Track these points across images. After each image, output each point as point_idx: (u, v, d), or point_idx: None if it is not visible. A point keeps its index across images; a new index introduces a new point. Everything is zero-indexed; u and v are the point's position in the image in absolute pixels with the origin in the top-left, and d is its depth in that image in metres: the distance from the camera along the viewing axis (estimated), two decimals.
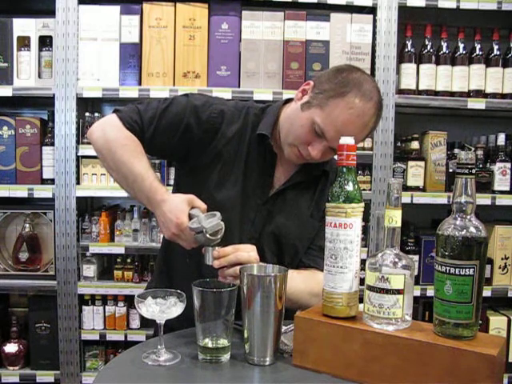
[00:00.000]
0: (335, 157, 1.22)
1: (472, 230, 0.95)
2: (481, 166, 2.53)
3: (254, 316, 1.09)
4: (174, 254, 1.50)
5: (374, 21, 2.45)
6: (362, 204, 1.07)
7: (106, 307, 2.53)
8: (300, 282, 1.35)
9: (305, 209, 1.46)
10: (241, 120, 1.43)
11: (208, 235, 1.17)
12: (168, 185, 2.49)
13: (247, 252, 1.22)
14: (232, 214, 1.38)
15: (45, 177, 2.47)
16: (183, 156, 1.43)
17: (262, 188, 1.42)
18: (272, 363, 1.11)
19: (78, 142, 2.43)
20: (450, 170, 2.51)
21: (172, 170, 2.50)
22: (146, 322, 2.52)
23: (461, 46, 2.51)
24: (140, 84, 2.43)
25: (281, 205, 1.43)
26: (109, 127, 1.36)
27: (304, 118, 1.32)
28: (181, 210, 1.20)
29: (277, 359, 1.12)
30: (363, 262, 1.06)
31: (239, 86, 2.44)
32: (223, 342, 1.11)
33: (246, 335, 1.11)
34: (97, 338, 2.51)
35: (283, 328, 1.16)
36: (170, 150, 1.44)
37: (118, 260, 2.55)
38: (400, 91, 2.49)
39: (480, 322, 0.99)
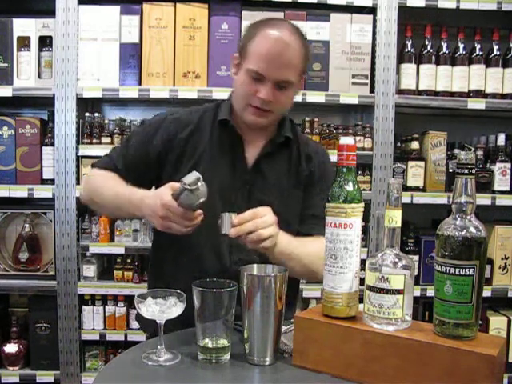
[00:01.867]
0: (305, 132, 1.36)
1: (472, 230, 0.95)
2: (481, 166, 2.53)
3: (254, 316, 1.09)
4: (165, 258, 1.51)
5: (374, 21, 2.45)
6: (362, 204, 1.07)
7: (106, 307, 2.53)
8: (309, 245, 1.38)
9: (284, 181, 1.49)
10: (196, 119, 1.50)
11: (188, 188, 1.16)
12: None
13: (264, 216, 1.24)
14: (212, 202, 1.38)
15: (45, 177, 2.47)
16: (157, 175, 1.49)
17: (236, 170, 1.46)
18: (272, 363, 1.11)
19: (77, 142, 2.43)
20: (450, 170, 2.51)
21: None
22: None
23: (461, 46, 2.51)
24: (140, 84, 2.43)
25: (259, 183, 1.47)
26: (87, 178, 1.57)
27: (240, 76, 1.41)
28: (162, 192, 1.24)
29: (277, 359, 1.12)
30: (363, 262, 1.06)
31: None
32: (223, 341, 1.11)
33: (246, 335, 1.11)
34: (97, 338, 2.51)
35: (283, 328, 1.16)
36: (145, 173, 1.49)
37: (118, 260, 2.54)
38: (400, 91, 2.49)
39: (480, 322, 0.99)
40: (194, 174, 1.17)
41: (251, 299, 1.09)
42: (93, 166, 1.55)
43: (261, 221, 1.23)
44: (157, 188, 1.51)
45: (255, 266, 1.19)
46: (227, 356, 1.12)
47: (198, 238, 1.39)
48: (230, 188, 1.45)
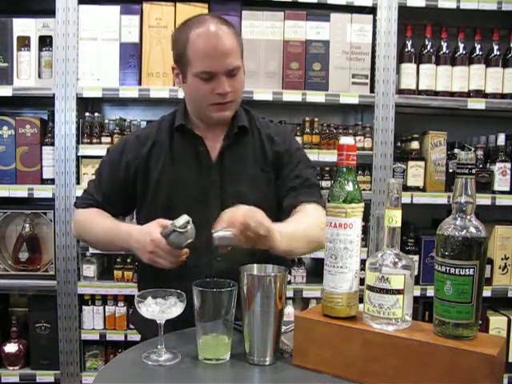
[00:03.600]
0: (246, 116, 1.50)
1: (472, 230, 0.95)
2: (481, 166, 2.53)
3: (254, 316, 1.09)
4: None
5: (374, 21, 2.45)
6: (362, 204, 1.07)
7: (106, 307, 2.53)
8: (303, 219, 1.39)
9: (251, 169, 1.50)
10: (154, 132, 1.54)
11: (178, 230, 1.20)
12: None
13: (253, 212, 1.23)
14: (186, 205, 1.41)
15: (45, 177, 2.47)
16: (134, 194, 1.53)
17: (202, 168, 1.48)
18: (272, 363, 1.11)
19: (77, 142, 2.43)
20: (450, 170, 2.51)
21: None
22: None
23: (461, 46, 2.51)
24: (140, 84, 2.43)
25: (228, 176, 1.48)
26: (74, 219, 1.61)
27: (190, 83, 1.43)
28: (150, 229, 1.27)
29: (277, 359, 1.12)
30: (363, 262, 1.06)
31: None
32: (223, 341, 1.11)
33: (245, 335, 1.11)
34: (97, 337, 2.51)
35: (283, 328, 1.16)
36: (125, 197, 1.55)
37: (118, 260, 2.54)
38: (400, 91, 2.49)
39: (480, 322, 0.99)
40: (184, 218, 1.22)
41: (251, 299, 1.09)
42: (76, 206, 1.61)
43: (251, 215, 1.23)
44: (138, 208, 1.57)
45: (255, 266, 1.19)
46: (227, 356, 1.12)
47: None
48: (200, 187, 1.47)
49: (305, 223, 1.38)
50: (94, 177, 1.62)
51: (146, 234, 1.27)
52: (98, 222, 1.50)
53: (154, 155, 1.51)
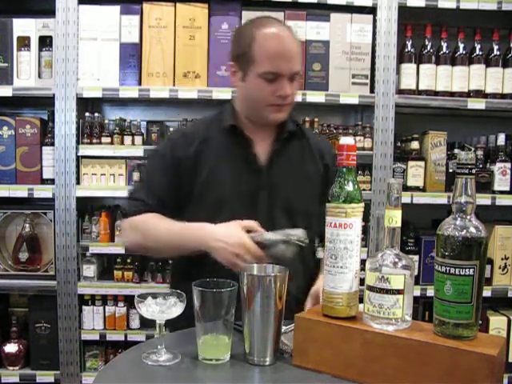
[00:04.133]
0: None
1: (472, 230, 0.95)
2: (481, 166, 2.53)
3: (254, 316, 1.09)
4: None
5: (374, 21, 2.45)
6: (362, 204, 1.08)
7: (106, 307, 2.53)
8: None
9: (299, 175, 1.51)
10: (201, 132, 1.51)
11: (298, 242, 1.21)
12: None
13: None
14: (234, 207, 1.42)
15: (45, 177, 2.47)
16: (186, 195, 1.49)
17: (251, 172, 1.47)
18: (272, 363, 1.11)
19: (77, 142, 2.43)
20: (450, 170, 2.51)
21: None
22: (145, 322, 2.52)
23: (461, 46, 2.51)
24: (140, 84, 2.43)
25: (276, 180, 1.48)
26: (126, 232, 1.51)
27: (252, 82, 1.42)
28: (237, 232, 1.27)
29: (277, 359, 1.12)
30: (363, 262, 1.06)
31: None
32: (223, 341, 1.11)
33: (246, 335, 1.11)
34: (97, 338, 2.51)
35: (283, 328, 1.16)
36: (177, 196, 1.48)
37: (118, 260, 2.54)
38: (400, 91, 2.49)
39: (480, 321, 0.99)
40: (301, 231, 1.22)
41: (251, 299, 1.09)
42: (125, 216, 1.52)
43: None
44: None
45: (255, 265, 1.19)
46: (227, 356, 1.12)
47: None
48: (249, 191, 1.45)
49: None
50: (135, 184, 1.57)
51: (233, 237, 1.26)
52: (157, 223, 1.42)
53: (201, 155, 1.47)
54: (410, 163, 2.49)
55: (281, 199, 1.46)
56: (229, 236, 1.27)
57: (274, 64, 1.38)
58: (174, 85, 2.43)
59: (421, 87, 2.50)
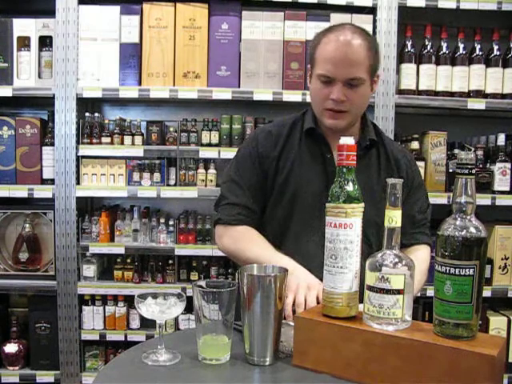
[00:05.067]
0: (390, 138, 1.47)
1: (472, 230, 0.95)
2: (481, 166, 2.52)
3: (254, 316, 1.09)
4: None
5: (374, 21, 2.45)
6: (362, 204, 1.08)
7: (106, 307, 2.53)
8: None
9: (374, 185, 1.51)
10: (286, 132, 1.55)
11: None
12: (168, 185, 2.49)
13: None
14: (309, 209, 1.47)
15: (45, 177, 2.47)
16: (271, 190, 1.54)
17: (328, 175, 1.49)
18: (272, 363, 1.11)
19: (77, 142, 2.43)
20: (450, 170, 2.51)
21: (172, 170, 2.51)
22: (145, 322, 2.53)
23: (461, 46, 2.51)
24: (140, 84, 2.43)
25: None
26: (224, 239, 1.55)
27: (312, 84, 1.48)
28: (312, 278, 1.31)
29: (277, 359, 1.12)
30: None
31: (239, 86, 2.44)
32: (223, 341, 1.11)
33: (245, 335, 1.11)
34: (97, 338, 2.51)
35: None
36: (265, 192, 1.54)
37: (118, 260, 2.54)
38: (400, 91, 2.49)
39: (480, 322, 0.99)
40: None
41: (251, 299, 1.09)
42: (222, 223, 1.54)
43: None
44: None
45: (255, 266, 1.19)
46: (227, 356, 1.12)
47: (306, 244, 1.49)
48: (322, 192, 1.46)
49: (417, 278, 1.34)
50: (225, 186, 1.57)
51: (313, 279, 1.30)
52: (250, 247, 1.46)
53: (283, 156, 1.52)
54: None
55: None
56: (308, 280, 1.30)
57: (328, 67, 1.40)
58: (173, 85, 2.43)
59: (421, 87, 2.50)
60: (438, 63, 2.50)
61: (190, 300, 1.16)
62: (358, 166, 1.47)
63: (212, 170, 2.52)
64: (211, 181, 2.51)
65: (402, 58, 2.50)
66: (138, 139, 2.48)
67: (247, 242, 1.48)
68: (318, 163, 1.52)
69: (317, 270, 1.39)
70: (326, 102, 1.44)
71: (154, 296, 1.14)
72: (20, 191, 2.42)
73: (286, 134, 1.55)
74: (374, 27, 2.45)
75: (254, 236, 1.49)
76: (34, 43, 2.42)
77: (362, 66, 1.41)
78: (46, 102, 2.50)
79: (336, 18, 2.44)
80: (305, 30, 2.44)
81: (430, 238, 1.54)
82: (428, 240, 1.55)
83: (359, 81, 1.41)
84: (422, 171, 2.48)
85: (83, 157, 2.46)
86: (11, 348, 2.48)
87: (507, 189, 2.52)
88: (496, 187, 2.52)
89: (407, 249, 1.49)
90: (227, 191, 1.56)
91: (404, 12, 2.45)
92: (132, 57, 2.42)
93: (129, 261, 2.55)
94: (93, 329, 2.52)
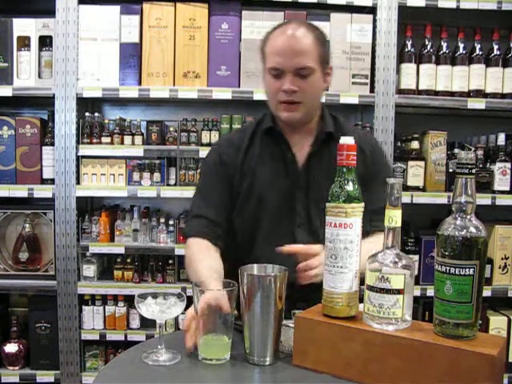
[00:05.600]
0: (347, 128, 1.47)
1: (472, 229, 0.95)
2: (481, 165, 2.52)
3: (254, 316, 1.09)
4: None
5: (374, 21, 2.45)
6: (362, 204, 1.08)
7: (106, 307, 2.52)
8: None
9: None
10: (248, 136, 1.57)
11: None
12: (168, 184, 2.49)
13: (315, 255, 1.28)
14: (275, 209, 1.49)
15: (45, 177, 2.47)
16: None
17: (289, 174, 1.51)
18: (272, 363, 1.11)
19: (77, 142, 2.43)
20: (450, 170, 2.51)
21: (172, 170, 2.51)
22: (145, 322, 2.52)
23: (461, 46, 2.51)
24: (140, 84, 2.43)
25: (313, 183, 1.50)
26: (186, 250, 1.55)
27: (265, 79, 1.49)
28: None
29: (277, 359, 1.12)
30: None
31: (239, 86, 2.44)
32: (223, 341, 1.11)
33: (246, 335, 1.11)
34: (97, 338, 2.51)
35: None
36: (231, 199, 1.54)
37: (118, 260, 2.54)
38: (400, 91, 2.49)
39: (480, 321, 0.99)
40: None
41: (251, 299, 1.09)
42: (187, 235, 1.54)
43: (311, 262, 1.26)
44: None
45: (255, 266, 1.19)
46: (227, 356, 1.12)
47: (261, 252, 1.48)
48: (287, 190, 1.49)
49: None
50: (194, 198, 1.60)
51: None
52: (195, 265, 1.42)
53: (247, 161, 1.54)
54: (410, 163, 2.49)
55: (317, 199, 1.47)
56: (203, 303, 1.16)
57: (276, 59, 1.42)
58: (173, 85, 2.43)
59: (421, 87, 2.50)
60: (438, 63, 2.50)
61: (189, 300, 1.16)
62: (320, 161, 1.51)
63: None
64: None
65: (402, 57, 2.49)
66: (138, 139, 2.48)
67: (195, 261, 1.44)
68: (279, 162, 1.52)
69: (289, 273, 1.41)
70: (278, 94, 1.44)
71: (154, 296, 1.15)
72: (20, 191, 2.42)
73: (248, 138, 1.56)
74: (374, 27, 2.45)
75: (200, 253, 1.45)
76: (34, 43, 2.42)
77: (309, 55, 1.43)
78: (45, 102, 2.50)
79: (336, 17, 2.44)
80: None
81: None
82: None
83: (308, 70, 1.43)
84: (421, 171, 2.49)
85: (83, 157, 2.46)
86: (11, 348, 2.48)
87: (507, 189, 2.52)
88: (496, 187, 2.52)
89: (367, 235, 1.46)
90: (193, 203, 1.60)
91: (404, 12, 2.45)
92: (132, 57, 2.42)
93: (129, 261, 2.55)
94: (93, 329, 2.52)
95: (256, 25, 2.43)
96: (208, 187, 1.56)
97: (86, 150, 2.44)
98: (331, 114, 1.60)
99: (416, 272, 2.40)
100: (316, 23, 2.37)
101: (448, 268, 0.96)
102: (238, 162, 1.54)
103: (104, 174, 2.47)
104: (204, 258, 1.42)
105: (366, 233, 1.43)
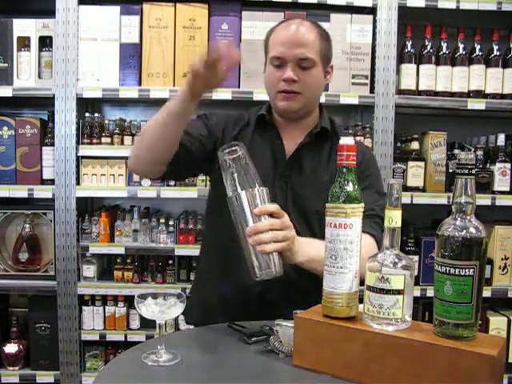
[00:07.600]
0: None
1: (472, 230, 0.95)
2: (481, 166, 2.52)
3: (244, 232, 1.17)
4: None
5: (374, 21, 2.45)
6: (362, 204, 1.07)
7: (106, 307, 2.53)
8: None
9: (322, 175, 1.51)
10: (247, 117, 1.58)
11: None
12: (168, 185, 2.49)
13: (282, 217, 1.24)
14: None
15: (45, 177, 2.47)
16: (207, 164, 1.54)
17: (275, 162, 1.51)
18: (280, 273, 1.17)
19: (77, 143, 2.43)
20: (450, 171, 2.51)
21: None
22: (145, 322, 2.52)
23: (461, 46, 2.51)
24: (140, 84, 2.43)
25: (296, 175, 1.50)
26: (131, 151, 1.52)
27: (267, 70, 1.50)
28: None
29: (276, 359, 1.12)
30: None
31: (239, 87, 2.44)
32: None
33: (250, 254, 1.16)
34: (97, 338, 2.51)
35: (277, 320, 1.16)
36: (199, 155, 1.52)
37: (118, 260, 2.54)
38: (400, 91, 2.49)
39: (480, 322, 0.99)
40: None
41: (238, 220, 1.18)
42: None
43: (279, 221, 1.22)
44: (212, 186, 1.62)
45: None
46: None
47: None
48: (271, 180, 1.49)
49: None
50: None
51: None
52: (149, 123, 1.44)
53: (239, 138, 1.53)
54: (410, 163, 2.49)
55: (296, 195, 1.48)
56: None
57: (278, 48, 1.44)
58: (174, 85, 2.43)
59: (421, 87, 2.50)
60: (437, 63, 2.50)
61: None
62: (309, 154, 1.52)
63: None
64: None
65: (401, 58, 2.50)
66: None
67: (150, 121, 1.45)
68: (267, 150, 1.53)
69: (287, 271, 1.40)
70: (278, 84, 1.45)
71: (154, 296, 1.15)
72: (20, 191, 2.42)
73: (246, 120, 1.58)
74: (374, 27, 2.45)
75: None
76: (34, 43, 2.42)
77: (311, 47, 1.44)
78: (46, 102, 2.50)
79: (336, 18, 2.45)
80: None
81: (379, 232, 1.39)
82: (372, 231, 1.41)
83: (310, 62, 1.43)
84: (421, 171, 2.49)
85: (83, 157, 2.46)
86: (11, 348, 2.48)
87: (507, 189, 2.52)
88: (496, 187, 2.52)
89: None
90: None
91: (404, 12, 2.45)
92: (132, 57, 2.42)
93: (129, 261, 2.55)
94: (93, 329, 2.52)
95: (256, 25, 2.43)
96: (194, 126, 1.53)
97: (85, 150, 2.44)
98: (329, 115, 1.61)
99: (416, 272, 2.40)
100: None
101: (448, 268, 0.96)
102: (232, 134, 1.54)
103: (104, 175, 2.47)
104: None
105: None
